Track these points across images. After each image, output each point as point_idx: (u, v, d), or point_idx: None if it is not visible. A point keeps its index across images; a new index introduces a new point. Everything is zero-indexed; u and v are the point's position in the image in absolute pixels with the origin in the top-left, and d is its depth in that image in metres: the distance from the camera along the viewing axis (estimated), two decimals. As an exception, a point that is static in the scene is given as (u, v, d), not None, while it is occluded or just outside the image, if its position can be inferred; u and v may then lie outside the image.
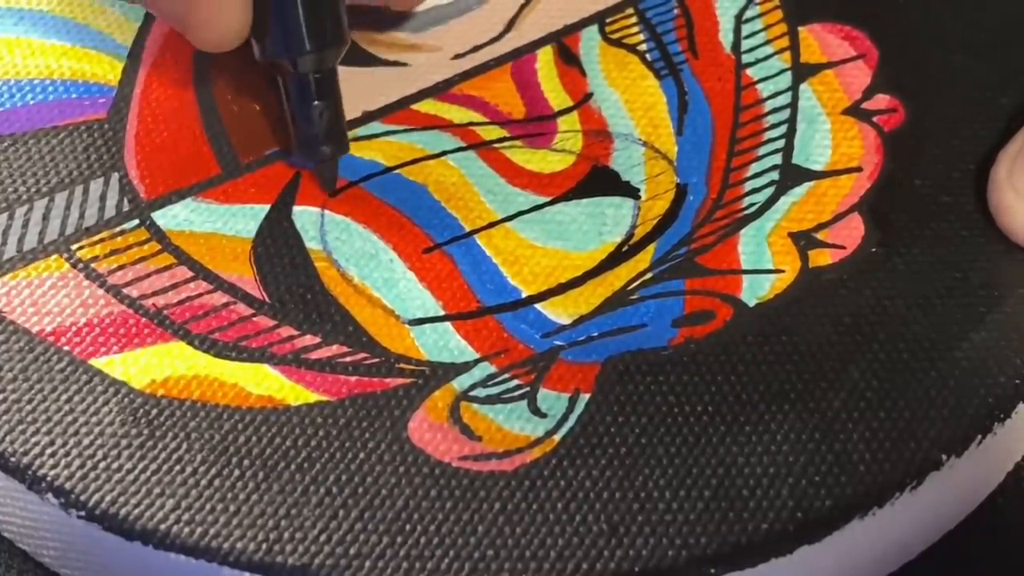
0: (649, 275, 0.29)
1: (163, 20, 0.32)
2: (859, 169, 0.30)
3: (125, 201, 0.30)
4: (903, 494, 0.26)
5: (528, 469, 0.26)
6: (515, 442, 0.27)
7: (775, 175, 0.31)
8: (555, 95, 0.32)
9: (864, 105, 0.31)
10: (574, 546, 0.25)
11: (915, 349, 0.27)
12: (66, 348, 0.28)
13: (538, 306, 0.29)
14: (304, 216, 0.30)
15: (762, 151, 0.31)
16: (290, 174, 0.31)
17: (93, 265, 0.29)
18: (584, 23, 0.34)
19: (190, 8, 0.29)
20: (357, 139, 0.32)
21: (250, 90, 0.32)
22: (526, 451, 0.27)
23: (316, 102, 0.30)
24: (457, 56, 0.33)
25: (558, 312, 0.29)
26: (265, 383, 0.27)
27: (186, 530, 0.25)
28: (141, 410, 0.27)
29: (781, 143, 0.31)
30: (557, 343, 0.28)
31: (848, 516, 0.26)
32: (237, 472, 0.26)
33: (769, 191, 0.30)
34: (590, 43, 0.33)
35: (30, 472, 0.26)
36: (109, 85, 0.32)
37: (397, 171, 0.31)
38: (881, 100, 0.32)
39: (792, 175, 0.31)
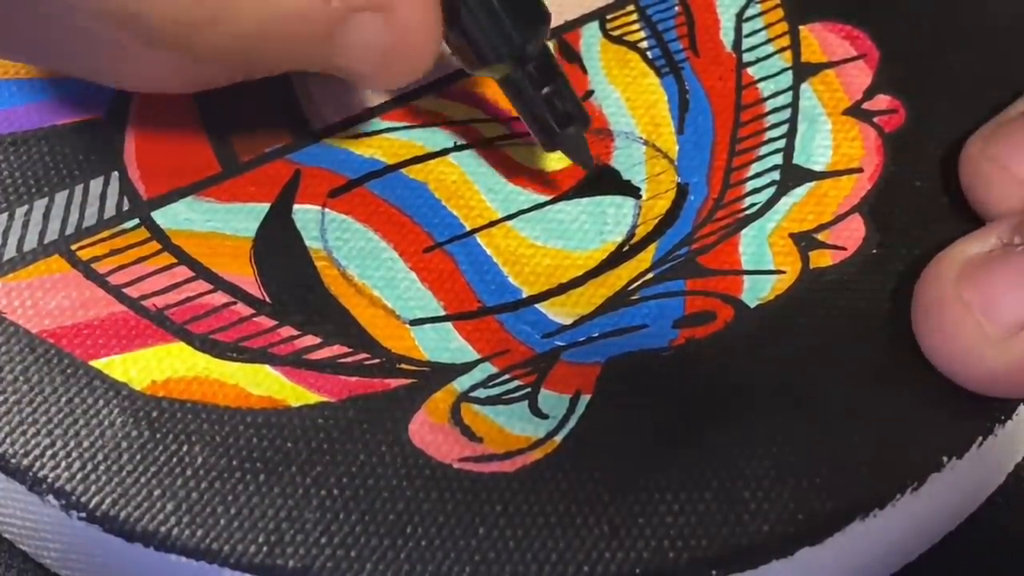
0: (650, 275, 0.29)
1: (343, 74, 0.27)
2: (860, 170, 0.30)
3: (125, 200, 0.30)
4: (904, 495, 0.26)
5: (529, 470, 0.26)
6: (516, 443, 0.27)
7: (776, 175, 0.31)
8: (556, 92, 0.32)
9: (865, 105, 0.31)
10: (575, 548, 0.25)
11: (916, 351, 0.27)
12: (66, 349, 0.27)
13: (539, 306, 0.29)
14: (304, 215, 0.30)
15: (763, 151, 0.31)
16: (290, 172, 0.31)
17: (93, 265, 0.29)
18: (585, 19, 0.33)
19: (391, 36, 0.26)
20: (358, 136, 0.31)
21: (248, 86, 0.32)
22: (527, 452, 0.27)
23: (545, 89, 0.28)
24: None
25: (559, 312, 0.29)
26: (266, 384, 0.27)
27: (187, 532, 0.25)
28: (142, 411, 0.27)
29: (782, 143, 0.31)
30: (558, 344, 0.28)
31: (849, 517, 0.26)
32: (238, 474, 0.26)
33: (770, 191, 0.30)
34: (591, 40, 0.33)
35: (31, 474, 0.26)
36: (108, 82, 0.32)
37: (398, 170, 0.31)
38: (882, 101, 0.31)
39: (793, 175, 0.31)
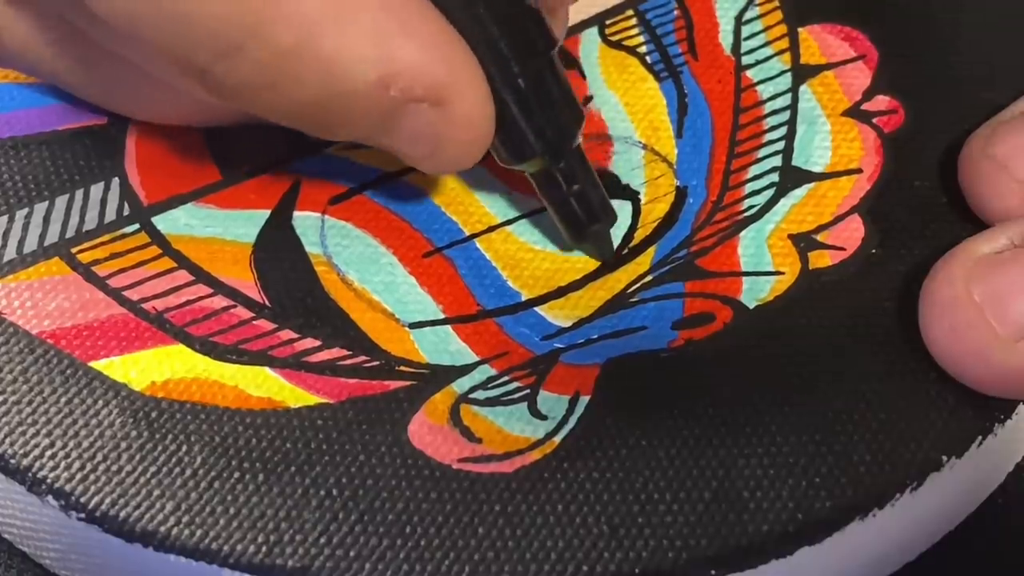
0: (649, 278, 0.29)
1: (398, 152, 0.27)
2: (859, 171, 0.30)
3: (126, 205, 0.30)
4: (903, 495, 0.26)
5: (528, 471, 0.26)
6: (515, 444, 0.27)
7: (775, 177, 0.31)
8: (555, 98, 0.32)
9: (864, 106, 0.31)
10: (574, 548, 0.25)
11: (915, 350, 0.27)
12: (66, 350, 0.28)
13: (538, 309, 0.29)
14: (304, 221, 0.30)
15: (762, 153, 0.31)
16: (290, 181, 0.31)
17: (93, 268, 0.29)
18: (584, 25, 0.34)
19: (444, 128, 0.26)
20: (357, 147, 0.32)
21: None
22: (526, 453, 0.27)
23: (575, 186, 0.28)
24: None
25: (558, 315, 0.29)
26: (265, 385, 0.27)
27: (186, 532, 0.25)
28: (141, 412, 0.27)
29: (781, 145, 0.31)
30: (557, 345, 0.28)
31: (848, 517, 0.26)
32: (237, 474, 0.26)
33: (769, 193, 0.30)
34: (590, 45, 0.33)
35: (30, 474, 0.26)
36: (111, 90, 0.32)
37: (397, 177, 0.31)
38: (881, 101, 0.32)
39: (792, 177, 0.31)
